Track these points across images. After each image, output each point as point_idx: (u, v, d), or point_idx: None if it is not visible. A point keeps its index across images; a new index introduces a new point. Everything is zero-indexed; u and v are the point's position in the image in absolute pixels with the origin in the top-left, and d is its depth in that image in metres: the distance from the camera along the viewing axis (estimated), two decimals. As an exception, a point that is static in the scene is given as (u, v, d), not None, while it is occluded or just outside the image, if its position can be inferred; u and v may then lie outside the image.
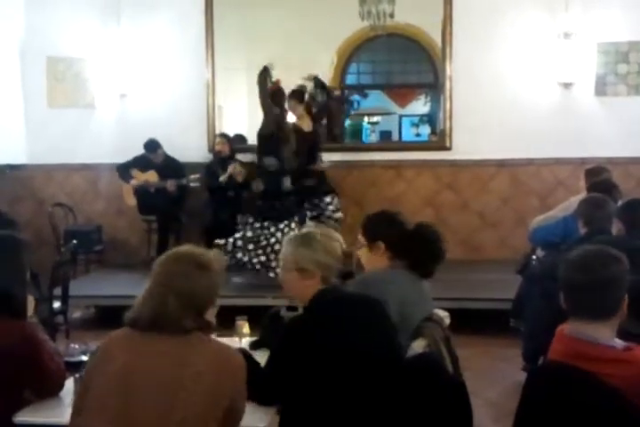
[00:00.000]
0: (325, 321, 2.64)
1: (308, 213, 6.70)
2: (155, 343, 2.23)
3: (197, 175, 7.38)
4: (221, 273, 2.37)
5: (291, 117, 6.95)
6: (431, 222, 3.45)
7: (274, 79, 6.68)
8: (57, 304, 5.43)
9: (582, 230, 4.49)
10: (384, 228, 3.37)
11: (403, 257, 3.25)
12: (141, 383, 2.16)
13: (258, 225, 6.51)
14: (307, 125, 6.93)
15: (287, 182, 6.59)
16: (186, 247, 2.39)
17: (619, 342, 2.35)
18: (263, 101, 6.62)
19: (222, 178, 7.28)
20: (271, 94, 6.62)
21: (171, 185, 7.38)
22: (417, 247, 3.24)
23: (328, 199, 6.93)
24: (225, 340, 2.93)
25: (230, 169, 7.22)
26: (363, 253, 3.33)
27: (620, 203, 4.66)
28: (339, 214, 6.93)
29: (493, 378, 5.02)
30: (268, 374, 2.61)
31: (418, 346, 2.86)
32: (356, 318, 2.68)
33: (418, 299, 3.11)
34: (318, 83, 7.02)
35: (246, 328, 3.29)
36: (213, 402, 2.18)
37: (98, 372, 2.24)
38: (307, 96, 6.96)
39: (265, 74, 6.66)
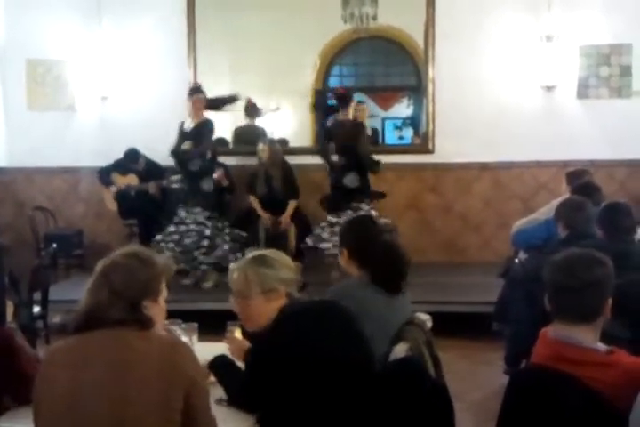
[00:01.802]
0: (296, 332, 2.60)
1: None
2: (93, 349, 2.14)
3: (178, 176, 7.34)
4: (164, 272, 2.33)
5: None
6: (398, 242, 3.41)
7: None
8: (37, 309, 5.38)
9: (563, 233, 4.51)
10: (347, 235, 3.39)
11: (364, 268, 3.25)
12: (88, 403, 2.07)
13: None
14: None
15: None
16: (131, 246, 2.40)
17: (601, 346, 2.36)
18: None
19: (207, 185, 7.20)
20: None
21: (152, 187, 7.37)
22: (375, 262, 3.23)
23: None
24: (218, 345, 2.98)
25: (216, 175, 7.18)
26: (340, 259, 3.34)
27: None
28: None
29: (476, 381, 5.02)
30: (246, 385, 2.59)
31: (400, 350, 2.85)
32: (325, 325, 2.65)
33: (377, 315, 3.06)
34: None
35: (238, 333, 3.25)
36: (165, 408, 2.08)
37: (44, 397, 2.14)
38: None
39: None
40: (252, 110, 7.87)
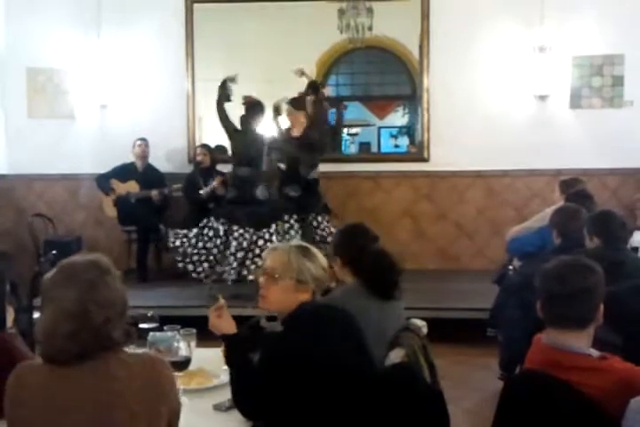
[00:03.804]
0: (309, 338, 2.59)
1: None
2: (74, 391, 1.97)
3: (180, 185, 7.43)
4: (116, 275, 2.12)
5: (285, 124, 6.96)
6: (390, 251, 3.35)
7: (248, 94, 6.69)
8: (36, 315, 5.41)
9: (556, 241, 4.54)
10: (341, 243, 3.40)
11: (358, 276, 3.27)
12: None
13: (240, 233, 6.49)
14: (297, 131, 6.84)
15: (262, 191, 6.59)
16: (76, 258, 2.12)
17: (594, 352, 2.38)
18: (220, 115, 6.63)
19: (203, 191, 7.28)
20: (246, 109, 6.64)
21: (155, 195, 7.39)
22: (368, 270, 3.24)
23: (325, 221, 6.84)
24: (216, 351, 2.91)
25: (215, 183, 7.24)
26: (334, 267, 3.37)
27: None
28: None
29: (471, 387, 5.03)
30: (255, 387, 2.55)
31: (396, 355, 2.87)
32: (336, 331, 2.66)
33: (373, 322, 3.06)
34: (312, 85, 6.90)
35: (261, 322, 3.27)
36: None
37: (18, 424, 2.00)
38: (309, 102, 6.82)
39: (223, 88, 6.67)
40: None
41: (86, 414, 1.95)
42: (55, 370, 2.00)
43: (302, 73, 6.96)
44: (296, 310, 2.68)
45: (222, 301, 2.77)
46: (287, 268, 2.71)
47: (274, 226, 6.45)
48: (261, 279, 2.78)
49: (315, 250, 2.84)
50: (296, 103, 6.84)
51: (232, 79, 6.77)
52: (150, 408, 1.98)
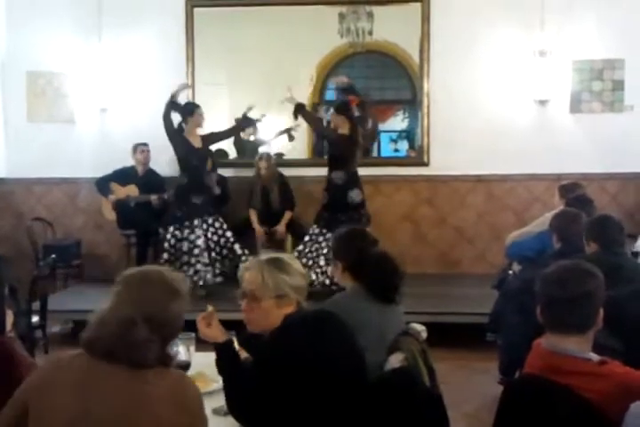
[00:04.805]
0: (299, 343, 2.56)
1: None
2: (110, 377, 2.01)
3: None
4: (187, 300, 2.17)
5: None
6: (393, 254, 3.36)
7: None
8: (35, 319, 5.41)
9: (556, 245, 4.54)
10: (342, 248, 3.39)
11: (358, 280, 3.27)
12: None
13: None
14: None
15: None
16: (155, 268, 2.21)
17: (594, 356, 2.38)
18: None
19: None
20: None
21: (154, 199, 7.37)
22: (369, 274, 3.23)
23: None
24: (210, 355, 2.86)
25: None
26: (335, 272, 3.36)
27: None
28: None
29: (470, 391, 5.03)
30: (248, 393, 2.54)
31: (395, 360, 2.87)
32: (325, 336, 2.63)
33: (373, 326, 3.07)
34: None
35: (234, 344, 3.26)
36: None
37: (43, 411, 2.02)
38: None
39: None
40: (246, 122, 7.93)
41: (114, 409, 1.97)
42: (92, 360, 2.02)
43: (291, 98, 6.93)
44: (283, 322, 2.64)
45: (210, 308, 2.75)
46: (264, 287, 2.67)
47: None
48: (243, 303, 2.73)
49: (287, 259, 2.79)
50: (338, 108, 6.78)
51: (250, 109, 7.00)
52: (175, 421, 1.99)
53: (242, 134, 7.98)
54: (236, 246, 6.81)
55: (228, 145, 8.01)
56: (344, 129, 6.61)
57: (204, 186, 6.90)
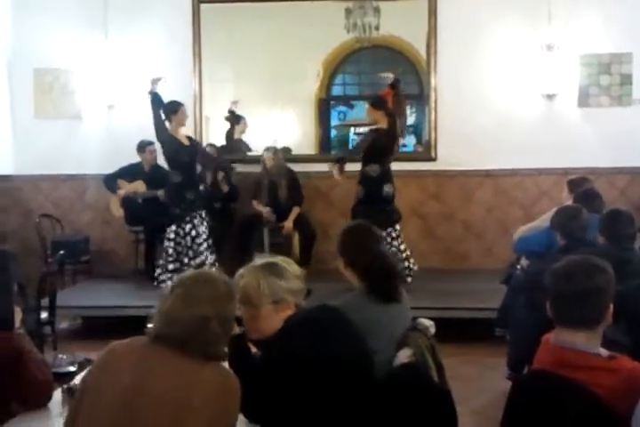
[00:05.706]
0: (303, 340, 2.56)
1: None
2: (168, 362, 2.15)
3: None
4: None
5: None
6: (388, 253, 3.32)
7: None
8: (44, 315, 5.43)
9: (561, 242, 4.53)
10: (342, 243, 3.31)
11: (361, 278, 3.21)
12: (148, 405, 2.09)
13: None
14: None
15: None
16: (210, 271, 2.46)
17: (603, 351, 2.38)
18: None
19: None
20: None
21: (162, 195, 7.32)
22: (368, 272, 3.18)
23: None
24: None
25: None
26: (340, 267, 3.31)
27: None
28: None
29: (479, 387, 5.03)
30: (254, 391, 2.50)
31: (403, 355, 2.87)
32: (329, 332, 2.62)
33: (380, 324, 3.03)
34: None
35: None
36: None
37: (101, 385, 2.16)
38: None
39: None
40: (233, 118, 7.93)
41: (168, 390, 2.09)
42: (154, 347, 2.18)
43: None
44: (284, 325, 2.63)
45: None
46: (260, 294, 2.65)
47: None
48: (242, 311, 2.70)
49: (282, 263, 2.76)
50: (375, 103, 6.79)
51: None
52: (218, 413, 2.12)
53: (234, 133, 8.01)
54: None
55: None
56: (383, 123, 6.65)
57: (195, 181, 7.00)
